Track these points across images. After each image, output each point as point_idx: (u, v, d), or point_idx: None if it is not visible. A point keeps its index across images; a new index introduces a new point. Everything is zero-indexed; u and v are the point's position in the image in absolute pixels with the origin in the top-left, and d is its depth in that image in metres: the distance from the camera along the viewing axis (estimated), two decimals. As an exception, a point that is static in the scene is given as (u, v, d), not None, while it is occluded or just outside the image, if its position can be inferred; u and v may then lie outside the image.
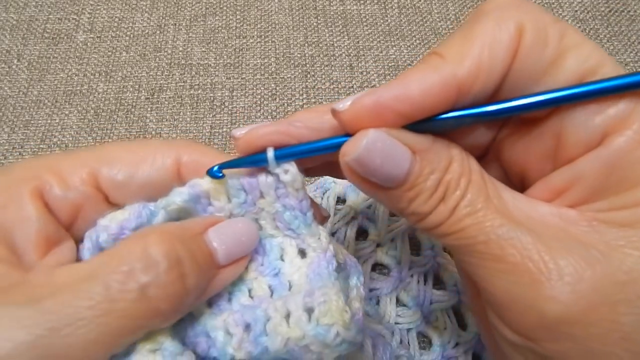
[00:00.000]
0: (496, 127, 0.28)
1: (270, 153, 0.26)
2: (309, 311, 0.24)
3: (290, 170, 0.26)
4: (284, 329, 0.24)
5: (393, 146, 0.23)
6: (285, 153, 0.26)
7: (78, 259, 0.25)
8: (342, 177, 0.30)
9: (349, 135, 0.24)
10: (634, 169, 0.22)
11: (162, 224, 0.25)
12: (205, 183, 0.26)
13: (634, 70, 0.55)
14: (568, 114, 0.23)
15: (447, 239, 0.25)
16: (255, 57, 0.57)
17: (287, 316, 0.24)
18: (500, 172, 0.29)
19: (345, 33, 0.59)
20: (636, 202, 0.23)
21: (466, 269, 0.25)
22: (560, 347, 0.22)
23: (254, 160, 0.26)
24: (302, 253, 0.28)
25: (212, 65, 0.57)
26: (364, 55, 0.57)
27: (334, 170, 0.29)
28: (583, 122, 0.23)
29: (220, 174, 0.26)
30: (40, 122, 0.52)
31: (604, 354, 0.21)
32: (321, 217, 0.29)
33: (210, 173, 0.26)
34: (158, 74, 0.56)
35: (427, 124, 0.24)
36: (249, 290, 0.27)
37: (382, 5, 0.61)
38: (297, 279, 0.27)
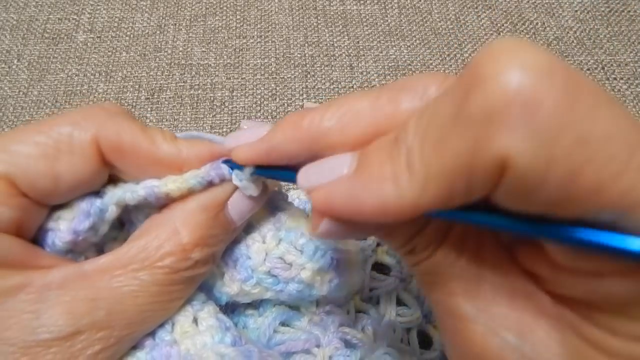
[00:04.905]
0: None
1: (248, 171, 0.25)
2: (280, 229, 0.29)
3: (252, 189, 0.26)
4: (262, 246, 0.28)
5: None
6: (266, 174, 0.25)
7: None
8: None
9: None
10: None
11: (184, 203, 0.25)
12: (164, 185, 0.25)
13: (634, 70, 0.55)
14: None
15: None
16: (255, 57, 0.57)
17: (264, 240, 0.29)
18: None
19: (345, 33, 0.59)
20: None
21: None
22: None
23: (284, 175, 0.24)
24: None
25: (212, 65, 0.57)
26: (364, 55, 0.57)
27: None
28: None
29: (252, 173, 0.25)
30: (40, 122, 0.52)
31: None
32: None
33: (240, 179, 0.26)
34: (158, 74, 0.56)
35: None
36: None
37: (382, 5, 0.61)
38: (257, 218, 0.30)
